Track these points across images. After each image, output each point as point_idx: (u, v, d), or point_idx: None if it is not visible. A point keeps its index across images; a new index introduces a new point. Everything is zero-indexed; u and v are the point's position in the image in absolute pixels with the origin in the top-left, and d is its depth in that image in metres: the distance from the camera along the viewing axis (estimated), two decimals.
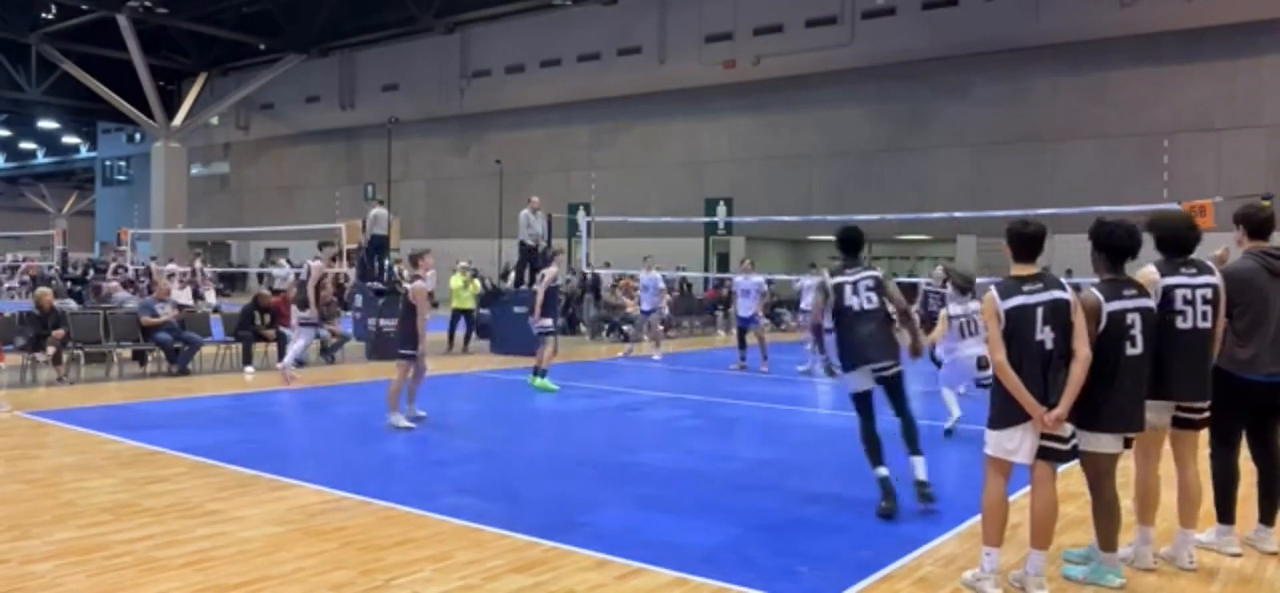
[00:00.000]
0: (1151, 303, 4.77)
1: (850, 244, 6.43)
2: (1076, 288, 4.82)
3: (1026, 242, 4.75)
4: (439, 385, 12.87)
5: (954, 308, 8.89)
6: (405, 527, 5.69)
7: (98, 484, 6.62)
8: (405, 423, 9.08)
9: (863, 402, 6.21)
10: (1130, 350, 4.65)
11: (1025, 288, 4.62)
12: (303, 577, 4.75)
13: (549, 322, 12.59)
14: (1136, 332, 4.66)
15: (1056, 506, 4.73)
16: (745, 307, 15.32)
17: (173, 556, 5.04)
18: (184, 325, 13.82)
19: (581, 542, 5.37)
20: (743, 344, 15.37)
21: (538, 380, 12.23)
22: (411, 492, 6.51)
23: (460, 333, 17.52)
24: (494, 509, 6.10)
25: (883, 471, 6.13)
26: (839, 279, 6.22)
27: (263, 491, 6.52)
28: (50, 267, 34.40)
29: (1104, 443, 4.74)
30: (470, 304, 17.68)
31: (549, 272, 12.78)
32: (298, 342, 12.89)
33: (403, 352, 9.33)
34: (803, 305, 16.31)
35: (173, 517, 5.80)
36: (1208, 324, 4.94)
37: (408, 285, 9.53)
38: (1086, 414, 4.65)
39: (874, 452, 6.18)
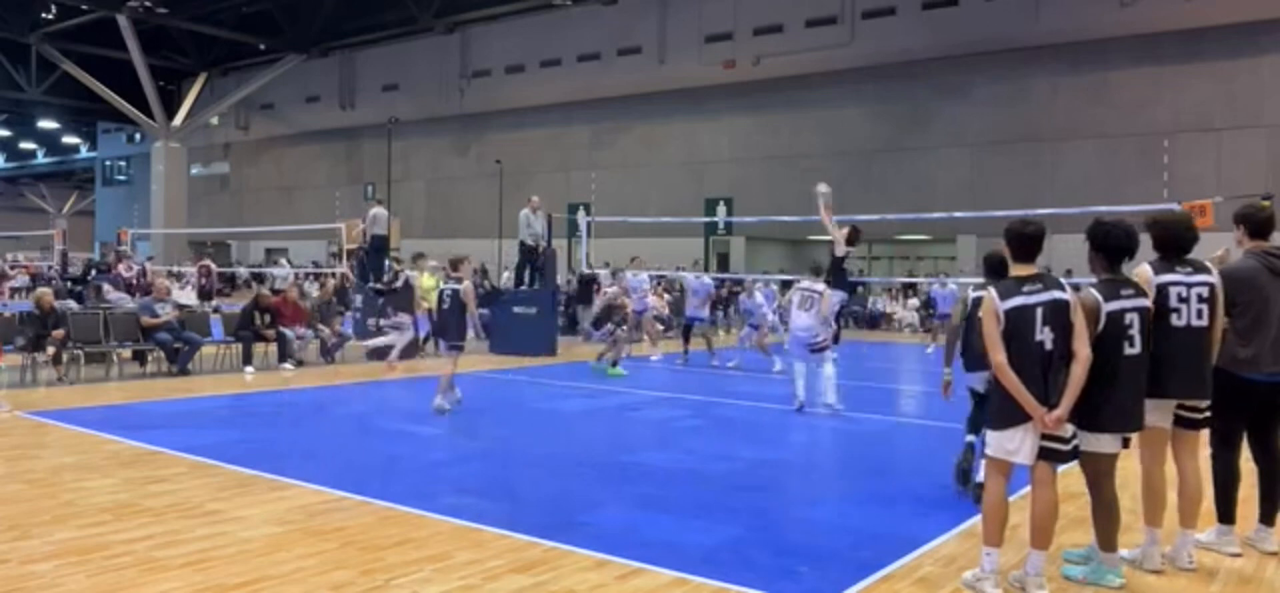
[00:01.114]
0: (1149, 303, 4.79)
1: (996, 270, 6.66)
2: (1075, 288, 4.84)
3: (1026, 242, 4.76)
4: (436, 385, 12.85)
5: (803, 282, 10.83)
6: (405, 527, 5.68)
7: (98, 484, 6.62)
8: (448, 406, 10.13)
9: (981, 398, 6.54)
10: (1129, 350, 4.67)
11: (1025, 289, 4.63)
12: (303, 577, 4.75)
13: (610, 326, 14.97)
14: (1135, 331, 4.68)
15: (1057, 506, 4.74)
16: (694, 306, 15.69)
17: (173, 556, 5.04)
18: (184, 325, 13.82)
19: (581, 542, 5.36)
20: (687, 339, 16.51)
21: (611, 369, 14.26)
22: (411, 492, 6.51)
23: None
24: (494, 509, 6.10)
25: (971, 437, 6.56)
26: (977, 294, 6.55)
27: (263, 491, 6.52)
28: (49, 267, 34.14)
29: (1104, 443, 4.76)
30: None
31: (610, 290, 15.54)
32: (402, 337, 14.65)
33: (452, 343, 10.43)
34: (753, 303, 16.46)
35: (173, 517, 5.80)
36: (1203, 322, 4.93)
37: (455, 286, 10.48)
38: (1086, 415, 4.66)
39: (975, 425, 6.59)
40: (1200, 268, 5.02)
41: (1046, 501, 4.64)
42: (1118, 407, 4.68)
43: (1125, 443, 4.87)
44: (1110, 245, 4.80)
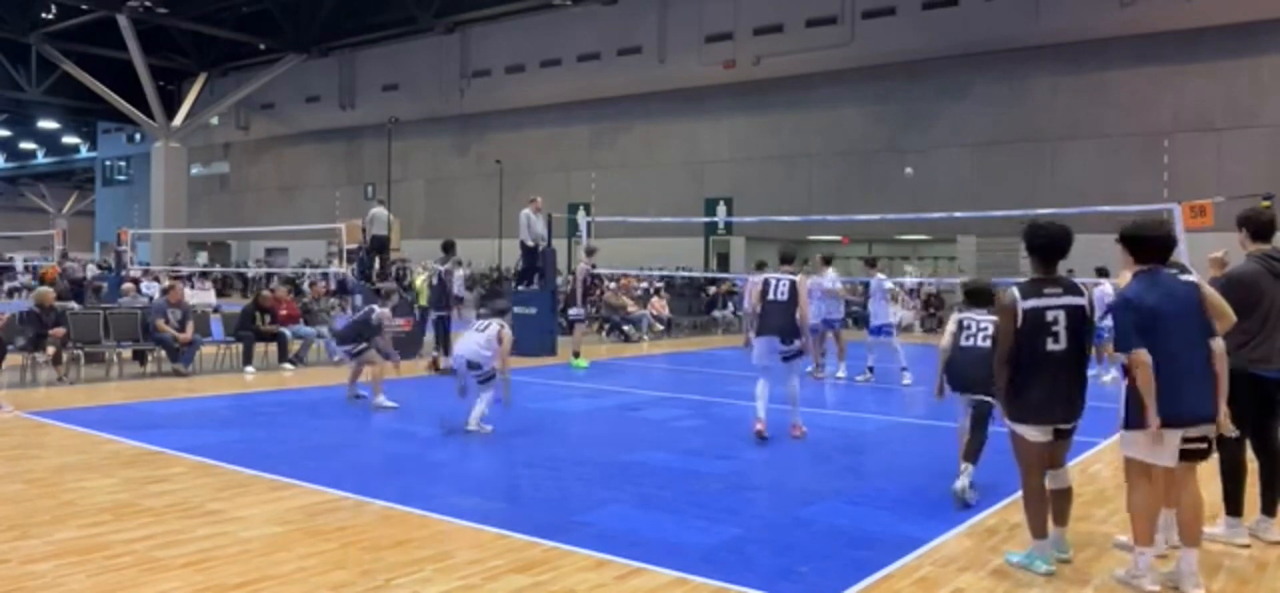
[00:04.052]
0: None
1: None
2: (1082, 288, 4.94)
3: (1048, 245, 4.90)
4: (438, 385, 12.86)
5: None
6: (405, 527, 5.68)
7: (98, 484, 6.62)
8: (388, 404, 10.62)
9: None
10: (1052, 346, 4.80)
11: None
12: (303, 577, 4.75)
13: (577, 311, 16.00)
14: (1060, 328, 4.80)
15: (1167, 504, 4.90)
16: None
17: (173, 556, 5.04)
18: (184, 324, 13.82)
19: (581, 542, 5.36)
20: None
21: (575, 360, 15.08)
22: (411, 492, 6.51)
23: (431, 335, 17.53)
24: (494, 509, 6.11)
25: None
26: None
27: (263, 491, 6.52)
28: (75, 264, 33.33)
29: (1027, 432, 4.89)
30: None
31: (581, 267, 16.26)
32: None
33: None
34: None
35: (173, 517, 5.80)
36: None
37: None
38: (1011, 405, 4.89)
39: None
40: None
41: (1192, 498, 4.83)
42: (1039, 399, 4.82)
43: (1058, 434, 4.93)
44: (1036, 245, 4.94)
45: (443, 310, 14.77)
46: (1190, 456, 4.72)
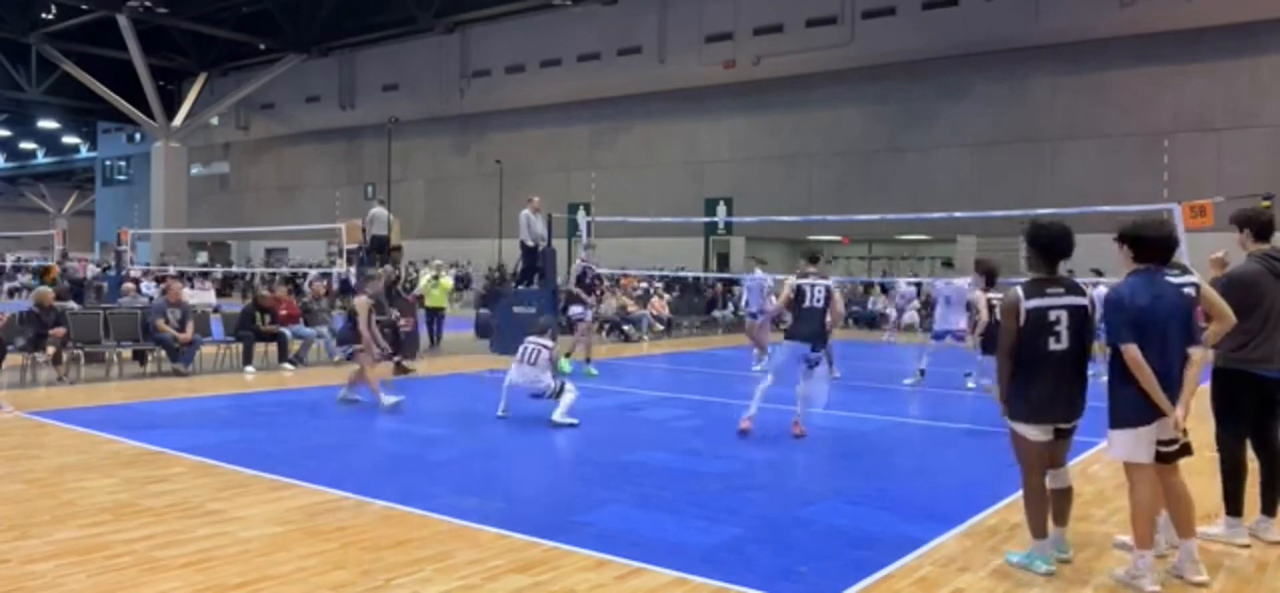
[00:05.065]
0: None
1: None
2: (1080, 289, 4.93)
3: (1050, 245, 4.90)
4: (438, 385, 12.89)
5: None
6: (405, 527, 5.68)
7: (98, 484, 6.62)
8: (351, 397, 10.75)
9: None
10: (1054, 346, 4.80)
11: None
12: (303, 577, 4.75)
13: (578, 309, 14.63)
14: (1062, 328, 4.80)
15: (1178, 496, 4.87)
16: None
17: (173, 556, 5.04)
18: (184, 324, 13.82)
19: (581, 542, 5.36)
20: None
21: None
22: (411, 492, 6.51)
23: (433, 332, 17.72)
24: (494, 509, 6.10)
25: None
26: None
27: (263, 491, 6.52)
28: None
29: (1028, 432, 4.89)
30: (442, 302, 17.93)
31: (577, 266, 15.35)
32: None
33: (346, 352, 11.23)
34: (752, 307, 15.93)
35: (173, 517, 5.80)
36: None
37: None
38: (1012, 404, 4.90)
39: None
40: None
41: (1178, 493, 4.84)
42: (1040, 398, 4.82)
43: (1058, 433, 4.92)
44: (1040, 245, 4.94)
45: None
46: (1163, 457, 4.74)
